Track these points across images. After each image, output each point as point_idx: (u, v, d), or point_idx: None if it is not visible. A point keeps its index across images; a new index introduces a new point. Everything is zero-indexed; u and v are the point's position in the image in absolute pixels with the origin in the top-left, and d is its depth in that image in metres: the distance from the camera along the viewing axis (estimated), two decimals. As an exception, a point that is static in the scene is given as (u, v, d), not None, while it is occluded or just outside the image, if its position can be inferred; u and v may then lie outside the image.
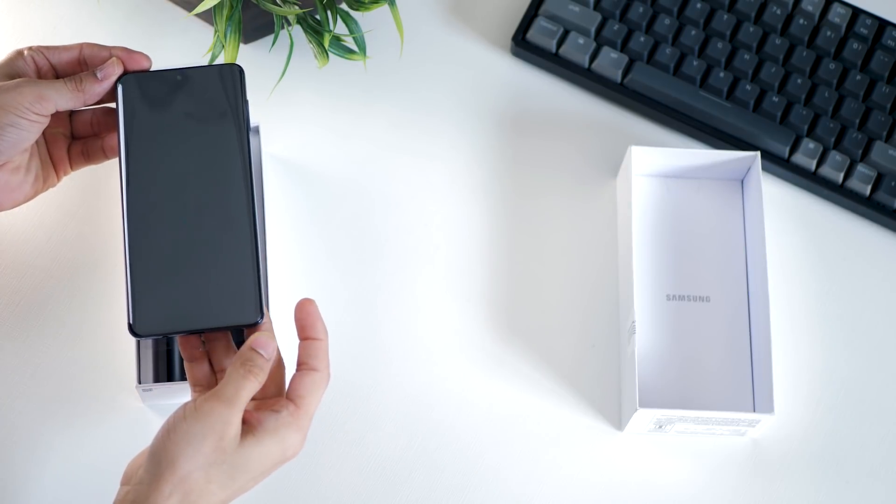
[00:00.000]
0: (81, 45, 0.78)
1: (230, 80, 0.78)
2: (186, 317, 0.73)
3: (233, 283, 0.74)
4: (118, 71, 0.77)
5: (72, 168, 0.82)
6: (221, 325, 0.74)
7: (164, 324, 0.73)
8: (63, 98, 0.76)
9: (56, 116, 0.79)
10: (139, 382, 0.84)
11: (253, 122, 0.89)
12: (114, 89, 0.77)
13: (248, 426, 0.70)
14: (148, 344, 0.85)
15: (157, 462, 0.68)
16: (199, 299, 0.74)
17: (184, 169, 0.76)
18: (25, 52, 0.78)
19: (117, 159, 0.78)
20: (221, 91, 0.77)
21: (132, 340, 0.85)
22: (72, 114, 0.81)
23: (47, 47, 0.78)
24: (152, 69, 0.78)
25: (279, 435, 0.70)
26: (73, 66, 0.78)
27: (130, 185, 0.75)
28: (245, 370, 0.70)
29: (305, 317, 0.73)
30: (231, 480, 0.69)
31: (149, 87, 0.77)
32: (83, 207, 0.91)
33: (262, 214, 0.86)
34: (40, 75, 0.78)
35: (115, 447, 0.84)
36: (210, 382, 0.75)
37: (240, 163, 0.76)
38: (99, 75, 0.77)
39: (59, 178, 0.82)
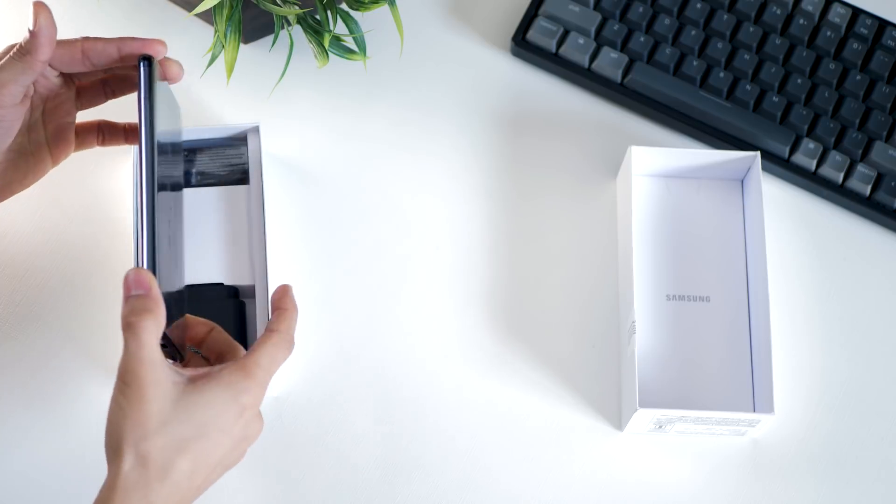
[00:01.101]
0: (82, 41, 0.77)
1: (146, 71, 0.75)
2: None
3: None
4: (43, 13, 0.72)
5: (105, 143, 0.82)
6: None
7: None
8: (16, 72, 0.73)
9: (56, 99, 0.78)
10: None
11: (253, 121, 0.89)
12: (136, 69, 0.75)
13: (192, 381, 0.69)
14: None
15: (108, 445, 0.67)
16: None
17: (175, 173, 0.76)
18: None
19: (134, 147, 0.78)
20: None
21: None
22: (78, 91, 0.80)
23: None
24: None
25: (223, 380, 0.68)
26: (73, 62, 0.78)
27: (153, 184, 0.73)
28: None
29: (280, 295, 0.74)
30: (184, 434, 0.67)
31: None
32: (83, 208, 0.91)
33: (263, 214, 0.86)
34: None
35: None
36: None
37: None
38: (30, 28, 0.73)
39: (65, 153, 0.81)
